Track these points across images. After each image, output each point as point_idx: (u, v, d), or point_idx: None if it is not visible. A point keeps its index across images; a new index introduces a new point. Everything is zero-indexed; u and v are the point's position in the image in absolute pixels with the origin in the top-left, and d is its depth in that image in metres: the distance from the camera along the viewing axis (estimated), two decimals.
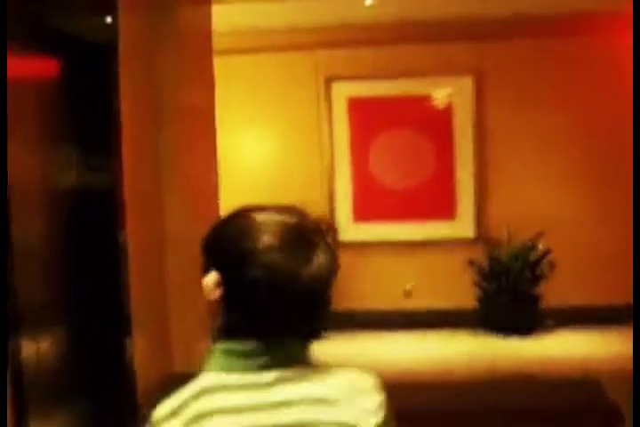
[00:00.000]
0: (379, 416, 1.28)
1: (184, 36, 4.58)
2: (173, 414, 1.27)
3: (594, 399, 3.80)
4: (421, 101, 6.66)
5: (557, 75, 6.49)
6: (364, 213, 6.75)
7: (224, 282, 1.29)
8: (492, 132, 6.59)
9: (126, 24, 3.96)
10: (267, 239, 1.27)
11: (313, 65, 6.65)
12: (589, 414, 3.63)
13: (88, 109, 3.68)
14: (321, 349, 1.36)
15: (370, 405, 1.27)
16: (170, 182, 4.36)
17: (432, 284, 6.62)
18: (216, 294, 1.29)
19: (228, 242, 1.31)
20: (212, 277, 1.30)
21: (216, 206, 4.55)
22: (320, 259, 1.28)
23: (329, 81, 6.67)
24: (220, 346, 1.30)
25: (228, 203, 1.56)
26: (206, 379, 1.29)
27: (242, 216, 1.33)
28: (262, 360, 1.27)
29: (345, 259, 6.71)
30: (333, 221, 6.71)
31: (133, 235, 3.82)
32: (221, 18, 5.09)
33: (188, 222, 4.21)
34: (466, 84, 6.59)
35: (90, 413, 3.48)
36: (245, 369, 1.27)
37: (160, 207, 4.32)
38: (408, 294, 6.65)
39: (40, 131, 3.47)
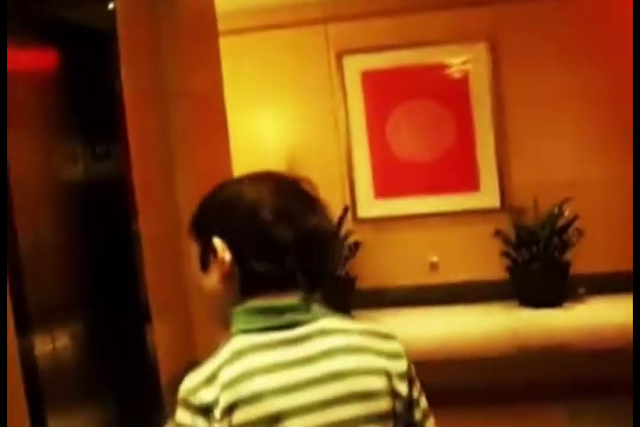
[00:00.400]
0: (406, 361, 1.34)
1: (186, 17, 4.48)
2: (207, 381, 1.25)
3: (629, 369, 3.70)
4: (436, 71, 6.52)
5: (570, 35, 6.31)
6: (385, 188, 6.64)
7: (231, 246, 1.28)
8: (510, 98, 6.44)
9: (125, 8, 3.88)
10: (267, 190, 1.28)
11: (323, 40, 6.52)
12: (625, 383, 3.54)
13: (91, 98, 3.61)
14: None
15: (396, 351, 1.34)
16: (181, 168, 4.30)
17: (459, 256, 6.52)
18: (227, 258, 1.28)
19: (226, 202, 1.30)
20: (218, 243, 1.29)
21: None
22: (320, 211, 1.31)
23: (340, 55, 6.54)
24: (243, 307, 1.29)
25: None
26: (236, 342, 1.28)
27: (229, 183, 1.34)
28: (289, 315, 1.27)
29: (369, 236, 6.56)
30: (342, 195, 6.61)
31: (146, 223, 3.76)
32: None
33: None
34: (480, 51, 6.43)
35: (113, 406, 3.44)
36: (274, 325, 1.26)
37: (172, 193, 4.25)
38: (435, 267, 6.55)
39: (44, 123, 3.41)
